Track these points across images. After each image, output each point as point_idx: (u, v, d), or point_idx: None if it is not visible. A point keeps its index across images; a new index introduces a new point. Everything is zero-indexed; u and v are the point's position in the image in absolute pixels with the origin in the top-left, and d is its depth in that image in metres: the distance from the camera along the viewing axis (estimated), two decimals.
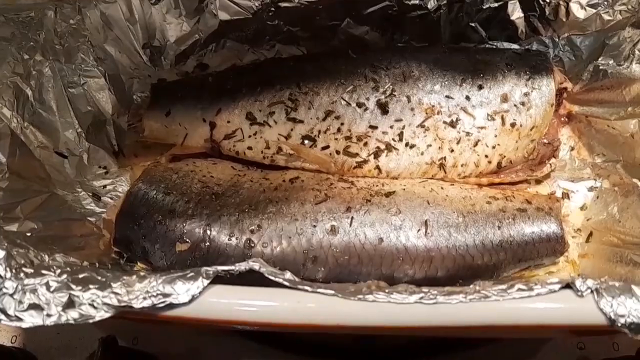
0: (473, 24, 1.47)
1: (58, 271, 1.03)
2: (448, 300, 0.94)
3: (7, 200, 1.19)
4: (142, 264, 1.26)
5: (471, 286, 1.03)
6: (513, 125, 1.33)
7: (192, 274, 1.00)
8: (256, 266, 1.02)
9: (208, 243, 1.20)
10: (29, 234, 1.17)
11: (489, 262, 1.21)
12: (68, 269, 1.04)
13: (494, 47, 1.49)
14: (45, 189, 1.31)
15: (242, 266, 1.02)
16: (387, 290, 0.98)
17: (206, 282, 0.98)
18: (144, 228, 1.23)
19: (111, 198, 1.42)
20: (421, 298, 0.94)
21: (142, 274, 1.02)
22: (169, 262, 1.22)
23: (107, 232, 1.33)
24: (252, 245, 1.19)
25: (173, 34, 1.48)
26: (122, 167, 1.47)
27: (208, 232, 1.21)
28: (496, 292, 0.93)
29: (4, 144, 1.22)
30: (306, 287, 0.98)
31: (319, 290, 0.96)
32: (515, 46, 1.49)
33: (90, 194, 1.39)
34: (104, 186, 1.43)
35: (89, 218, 1.35)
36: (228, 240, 1.20)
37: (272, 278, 1.00)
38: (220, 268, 1.01)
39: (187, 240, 1.20)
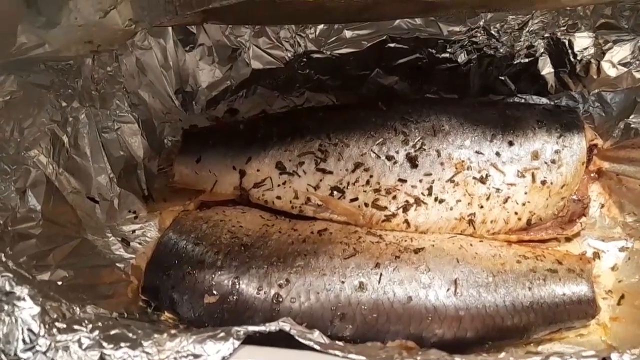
0: (502, 77, 1.50)
1: (90, 326, 1.04)
2: None
3: (41, 247, 1.21)
4: (169, 313, 1.25)
5: (503, 354, 1.02)
6: (544, 182, 1.32)
7: (222, 334, 1.00)
8: (287, 327, 1.02)
9: (236, 296, 1.20)
10: (60, 283, 1.18)
11: (519, 324, 1.19)
12: (99, 323, 1.05)
13: (524, 101, 1.51)
14: (77, 235, 1.33)
15: (272, 326, 1.02)
16: (418, 358, 0.97)
17: (237, 343, 0.99)
18: (173, 278, 1.24)
19: (140, 243, 1.43)
20: None
21: (172, 332, 1.02)
22: (197, 314, 1.21)
23: (135, 279, 1.34)
24: (280, 300, 1.18)
25: (205, 79, 1.55)
26: (151, 211, 1.48)
27: (236, 284, 1.21)
28: None
29: (40, 191, 1.25)
30: (337, 352, 0.98)
31: (350, 356, 0.96)
32: (544, 100, 1.51)
33: (120, 239, 1.41)
34: (133, 231, 1.44)
35: (117, 264, 1.36)
36: (256, 293, 1.20)
37: (303, 341, 0.99)
38: (251, 328, 1.01)
39: (216, 292, 1.21)
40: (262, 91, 1.58)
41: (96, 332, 1.02)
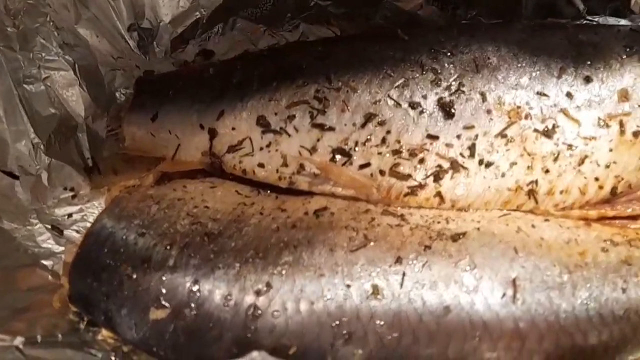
0: None
1: None
2: None
3: None
4: (107, 331, 0.94)
5: None
6: (636, 134, 0.99)
7: None
8: None
9: (195, 309, 0.89)
10: None
11: (609, 342, 0.87)
12: None
13: (598, 23, 1.18)
14: None
15: None
16: None
17: None
18: (107, 284, 0.93)
19: (78, 231, 1.15)
20: None
21: None
22: (141, 335, 0.90)
23: (67, 282, 1.02)
24: (258, 313, 0.87)
25: (167, 11, 1.25)
26: (96, 188, 1.21)
27: (195, 292, 0.89)
28: None
29: None
30: None
31: None
32: (624, 22, 1.18)
33: (49, 227, 1.14)
34: (69, 215, 1.17)
35: (42, 262, 1.08)
36: (224, 305, 0.88)
37: None
38: None
39: (166, 304, 0.89)
40: (243, 25, 1.29)
41: None
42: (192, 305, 0.88)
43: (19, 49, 1.11)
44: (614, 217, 1.01)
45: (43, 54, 1.14)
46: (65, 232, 1.13)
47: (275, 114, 1.08)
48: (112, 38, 1.23)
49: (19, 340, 0.83)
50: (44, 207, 1.13)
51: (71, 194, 1.18)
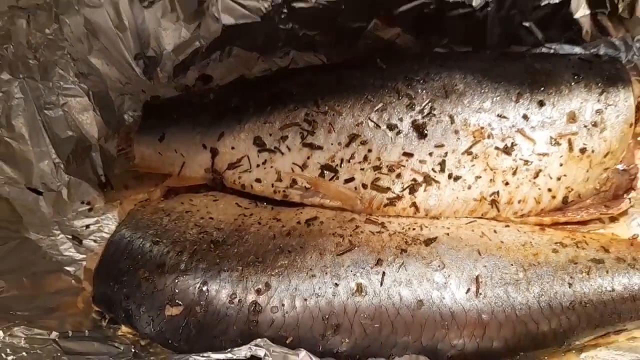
0: (527, 24, 1.24)
1: (10, 358, 0.81)
2: None
3: None
4: (127, 327, 1.04)
5: None
6: (583, 151, 1.09)
7: None
8: (261, 352, 0.81)
9: (205, 307, 0.99)
10: None
11: (558, 329, 0.98)
12: (24, 353, 0.83)
13: (553, 52, 1.25)
14: (15, 234, 1.13)
15: (242, 352, 0.80)
16: None
17: None
18: (127, 287, 1.03)
19: (95, 241, 1.22)
20: None
21: None
22: (157, 329, 1.01)
23: (88, 285, 1.13)
24: (259, 309, 0.97)
25: (170, 41, 1.30)
26: (110, 202, 1.27)
27: (205, 292, 0.99)
28: None
29: None
30: None
31: None
32: (578, 49, 1.25)
33: (70, 237, 1.20)
34: (87, 226, 1.23)
35: (66, 268, 1.16)
36: (229, 302, 0.98)
37: None
38: (214, 356, 0.79)
39: (179, 302, 0.99)
40: (239, 52, 1.33)
41: None
42: (202, 303, 0.98)
43: (40, 78, 1.17)
44: (566, 223, 1.11)
45: (61, 83, 1.20)
46: (84, 241, 1.20)
47: (270, 134, 1.16)
48: (121, 66, 1.28)
49: (54, 335, 0.93)
50: (64, 219, 1.20)
51: (88, 207, 1.24)
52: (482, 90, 1.12)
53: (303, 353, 0.85)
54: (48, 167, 1.19)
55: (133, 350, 0.98)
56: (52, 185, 1.19)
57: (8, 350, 0.83)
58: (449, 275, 0.98)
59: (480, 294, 0.97)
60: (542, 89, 1.12)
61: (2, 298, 0.99)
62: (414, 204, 1.11)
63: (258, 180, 1.17)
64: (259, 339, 0.84)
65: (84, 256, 1.18)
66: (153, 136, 1.24)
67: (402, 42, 1.30)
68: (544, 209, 1.11)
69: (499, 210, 1.10)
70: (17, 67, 1.15)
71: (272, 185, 1.16)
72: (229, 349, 0.81)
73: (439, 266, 0.99)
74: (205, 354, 0.79)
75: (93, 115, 1.26)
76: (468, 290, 0.97)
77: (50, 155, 1.19)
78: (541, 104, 1.10)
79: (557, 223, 1.11)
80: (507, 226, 1.09)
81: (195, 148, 1.21)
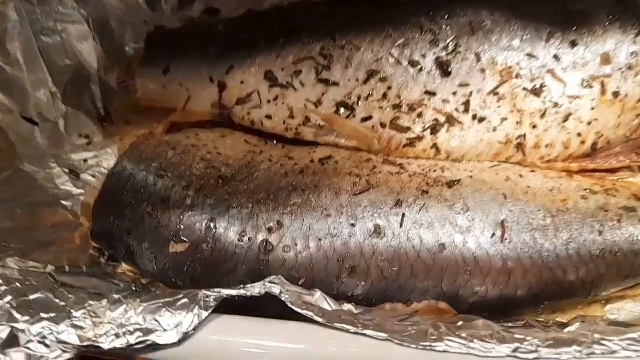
0: None
1: (3, 289, 0.76)
2: (556, 355, 0.64)
3: None
4: (127, 265, 0.99)
5: (576, 327, 0.74)
6: (616, 95, 1.02)
7: (184, 300, 0.73)
8: (276, 290, 0.74)
9: (212, 244, 0.93)
10: None
11: (586, 278, 0.93)
12: (17, 284, 0.76)
13: None
14: (8, 165, 1.07)
15: (256, 289, 0.75)
16: (463, 335, 0.68)
17: (204, 314, 0.70)
18: (129, 221, 0.97)
19: (93, 176, 1.16)
20: (516, 350, 0.64)
21: (115, 297, 0.74)
22: (161, 267, 0.95)
23: (86, 221, 1.08)
24: (270, 248, 0.92)
25: None
26: (109, 136, 1.22)
27: (212, 229, 0.94)
28: (625, 344, 0.63)
29: None
30: (347, 327, 0.69)
31: (366, 332, 0.67)
32: None
33: (67, 171, 1.15)
34: (85, 160, 1.18)
35: (63, 202, 1.10)
36: (238, 240, 0.93)
37: (299, 311, 0.71)
38: (225, 292, 0.74)
39: (185, 239, 0.94)
40: None
41: (9, 298, 0.74)
42: (209, 240, 0.93)
43: (37, 2, 1.11)
44: (594, 170, 1.06)
45: (60, 8, 1.14)
46: (82, 175, 1.14)
47: (283, 69, 1.09)
48: None
49: (50, 268, 0.87)
50: (61, 152, 1.14)
51: (86, 141, 1.18)
52: (511, 28, 1.04)
53: (318, 294, 0.80)
54: (44, 96, 1.13)
55: (134, 288, 0.93)
56: (49, 116, 1.14)
57: (0, 281, 0.77)
58: (473, 219, 0.92)
59: (506, 239, 0.91)
60: (574, 28, 1.04)
61: None
62: (435, 146, 1.05)
63: (269, 117, 1.10)
64: (274, 276, 0.78)
65: (82, 191, 1.13)
66: (157, 68, 1.18)
67: None
68: (572, 154, 1.05)
69: (524, 155, 1.04)
70: None
71: (284, 123, 1.10)
72: (242, 286, 0.75)
73: (462, 209, 0.93)
74: (215, 290, 0.73)
75: (93, 44, 1.20)
76: (493, 235, 0.92)
77: (47, 84, 1.14)
78: (573, 44, 1.03)
79: (585, 170, 1.05)
80: (533, 171, 1.03)
81: (202, 82, 1.15)
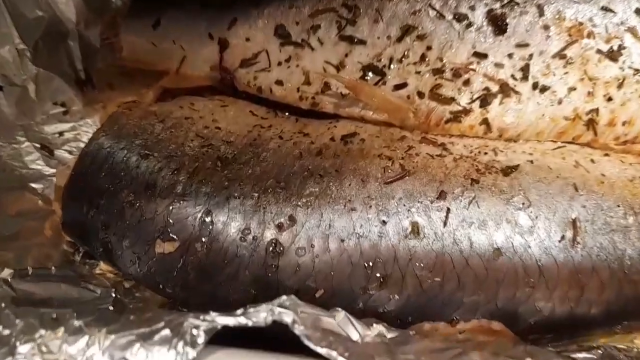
0: None
1: None
2: None
3: None
4: (106, 264, 0.83)
5: None
6: None
7: (165, 332, 0.56)
8: (287, 317, 0.57)
9: (207, 243, 0.78)
10: None
11: None
12: None
13: None
14: None
15: (261, 315, 0.57)
16: None
17: (191, 353, 0.52)
18: (106, 213, 0.81)
19: (70, 152, 1.03)
20: None
21: (76, 324, 0.57)
22: (145, 270, 0.80)
23: (60, 208, 0.91)
24: (280, 250, 0.76)
25: None
26: (90, 104, 1.10)
27: (208, 224, 0.78)
28: None
29: None
30: None
31: None
32: None
33: (39, 146, 1.03)
34: (61, 133, 1.06)
35: (32, 185, 0.98)
36: (240, 239, 0.77)
37: (318, 350, 0.54)
38: (220, 321, 0.56)
39: (174, 236, 0.78)
40: None
41: None
42: (204, 238, 0.78)
43: None
44: None
45: None
46: (56, 152, 1.02)
47: (297, 23, 0.96)
48: None
49: (7, 273, 0.72)
50: (31, 123, 1.02)
51: (62, 109, 1.06)
52: None
53: (342, 315, 0.64)
54: (10, 54, 1.00)
55: (114, 295, 0.77)
56: (15, 79, 1.01)
57: None
58: (536, 217, 0.76)
59: (578, 242, 0.76)
60: None
61: None
62: (485, 121, 0.89)
63: (279, 83, 0.97)
64: (284, 297, 0.61)
65: (56, 170, 0.99)
66: (145, 21, 1.06)
67: None
68: None
69: (596, 134, 0.89)
70: None
71: (298, 90, 0.96)
72: (242, 311, 0.58)
73: (523, 204, 0.77)
74: (207, 317, 0.56)
75: None
76: (562, 237, 0.76)
77: (12, 40, 1.00)
78: None
79: None
80: (607, 155, 0.87)
81: (199, 38, 1.02)
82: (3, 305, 0.61)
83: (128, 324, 0.57)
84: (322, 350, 0.54)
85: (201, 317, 0.56)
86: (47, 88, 1.04)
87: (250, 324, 0.56)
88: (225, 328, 0.58)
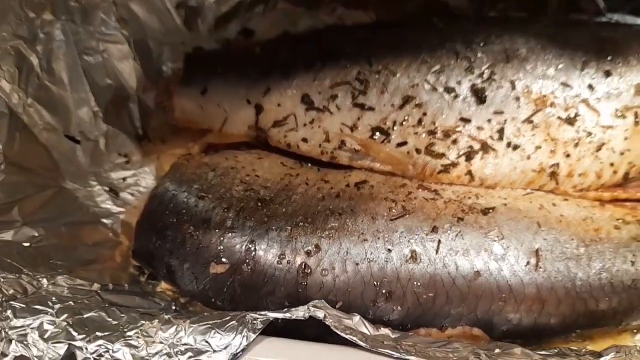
0: None
1: (57, 306, 0.78)
2: None
3: (2, 199, 0.96)
4: (166, 284, 1.00)
5: (611, 357, 0.76)
6: None
7: (233, 322, 0.75)
8: (320, 314, 0.77)
9: (251, 266, 0.94)
10: (26, 244, 0.95)
11: (618, 308, 0.94)
12: (71, 302, 0.80)
13: (617, 22, 1.21)
14: (52, 183, 1.09)
15: (300, 312, 0.77)
16: None
17: (252, 336, 0.73)
18: (170, 241, 0.98)
19: (132, 194, 1.19)
20: None
21: (166, 317, 0.77)
22: (201, 287, 0.97)
23: (126, 239, 1.10)
24: (308, 271, 0.93)
25: None
26: (147, 155, 1.24)
27: (252, 250, 0.95)
28: None
29: (1, 127, 0.99)
30: (390, 352, 0.71)
31: (409, 358, 0.69)
32: None
33: (107, 189, 1.17)
34: (124, 179, 1.20)
35: (103, 220, 1.12)
36: (277, 263, 0.94)
37: (343, 335, 0.73)
38: (272, 315, 0.76)
39: (225, 260, 0.95)
40: (284, 6, 1.30)
41: (65, 315, 0.76)
42: (249, 262, 0.94)
43: (81, 22, 1.12)
44: (626, 200, 1.06)
45: (102, 28, 1.15)
46: (121, 194, 1.16)
47: (319, 92, 1.10)
48: (161, 14, 1.24)
49: (96, 286, 0.90)
50: (101, 170, 1.16)
51: (125, 159, 1.20)
52: (546, 57, 1.06)
53: (357, 318, 0.82)
54: (87, 115, 1.15)
55: (174, 307, 0.95)
56: (90, 135, 1.16)
57: (54, 298, 0.80)
58: (507, 247, 0.93)
59: (540, 267, 0.92)
60: (609, 58, 1.06)
61: (42, 247, 0.95)
62: (469, 172, 1.05)
63: (305, 140, 1.11)
64: (317, 301, 0.80)
65: (121, 209, 1.15)
66: (195, 89, 1.20)
67: (455, 4, 1.26)
68: (604, 184, 1.06)
69: (557, 183, 1.05)
70: (59, 8, 1.10)
71: (320, 146, 1.10)
72: (287, 309, 0.78)
73: (497, 236, 0.94)
74: (262, 313, 0.76)
75: (132, 64, 1.22)
76: (527, 263, 0.93)
77: (89, 103, 1.15)
78: (608, 74, 1.05)
79: (617, 199, 1.06)
80: (566, 200, 1.04)
81: (239, 103, 1.16)
82: (106, 305, 0.81)
83: (204, 318, 0.76)
84: (347, 336, 0.73)
85: (258, 313, 0.76)
86: (113, 142, 1.18)
87: (293, 317, 0.75)
88: (270, 322, 0.77)
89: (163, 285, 1.02)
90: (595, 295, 0.93)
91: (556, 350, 0.87)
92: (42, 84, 1.07)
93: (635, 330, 0.99)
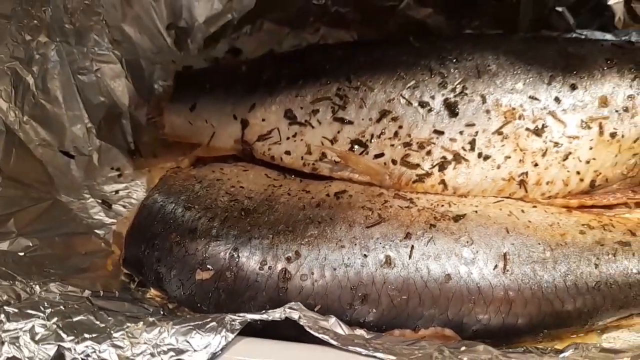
0: (560, 9, 1.25)
1: (48, 311, 0.83)
2: None
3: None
4: (156, 290, 1.05)
5: (569, 353, 0.81)
6: (613, 135, 1.09)
7: (213, 323, 0.80)
8: (295, 315, 0.82)
9: (235, 272, 0.99)
10: (21, 254, 1.00)
11: (582, 309, 0.99)
12: (61, 307, 0.85)
13: (585, 37, 1.26)
14: (47, 196, 1.15)
15: (277, 314, 0.82)
16: (465, 359, 0.75)
17: (230, 336, 0.78)
18: (159, 250, 1.03)
19: (124, 206, 1.24)
20: None
21: (150, 319, 0.82)
22: (187, 293, 1.01)
23: (117, 249, 1.15)
24: (288, 276, 0.98)
25: (202, 12, 1.31)
26: (139, 169, 1.30)
27: (235, 258, 1.00)
28: None
29: None
30: (359, 349, 0.76)
31: (376, 355, 0.74)
32: (609, 36, 1.26)
33: (100, 201, 1.23)
34: (116, 191, 1.26)
35: (96, 231, 1.18)
36: (259, 269, 0.99)
37: (316, 334, 0.78)
38: (250, 316, 0.81)
39: (210, 267, 1.00)
40: (270, 27, 1.34)
41: (55, 319, 0.82)
42: (232, 268, 0.98)
43: (75, 43, 1.18)
44: (592, 206, 1.11)
45: (95, 49, 1.21)
46: (113, 206, 1.22)
47: (301, 108, 1.15)
48: (153, 35, 1.29)
49: (87, 293, 0.95)
50: (94, 183, 1.22)
51: (117, 173, 1.26)
52: (515, 72, 1.11)
53: (333, 319, 0.87)
54: (80, 131, 1.21)
55: (162, 312, 1.00)
56: (84, 150, 1.21)
57: (45, 304, 0.85)
58: (477, 251, 0.98)
59: (508, 270, 0.97)
60: (574, 72, 1.11)
61: (36, 256, 1.00)
62: (442, 182, 1.11)
63: (288, 153, 1.17)
64: (293, 303, 0.85)
65: (113, 220, 1.20)
66: (184, 105, 1.25)
67: (434, 23, 1.30)
68: (572, 191, 1.11)
69: (526, 191, 1.10)
70: (54, 31, 1.16)
71: (302, 158, 1.16)
72: (264, 311, 0.83)
73: (467, 242, 0.99)
74: (240, 314, 0.81)
75: (125, 82, 1.27)
76: (495, 266, 0.97)
77: (83, 120, 1.21)
78: (573, 87, 1.10)
79: (584, 206, 1.11)
80: (535, 207, 1.09)
81: (226, 119, 1.21)
82: (95, 309, 0.86)
83: (186, 319, 0.81)
84: (319, 335, 0.78)
85: (236, 315, 0.81)
86: (106, 157, 1.24)
87: (269, 318, 0.80)
88: (250, 324, 0.82)
89: (152, 292, 1.06)
90: (561, 296, 0.97)
91: (522, 349, 0.91)
92: (37, 102, 1.13)
93: (601, 331, 1.03)
